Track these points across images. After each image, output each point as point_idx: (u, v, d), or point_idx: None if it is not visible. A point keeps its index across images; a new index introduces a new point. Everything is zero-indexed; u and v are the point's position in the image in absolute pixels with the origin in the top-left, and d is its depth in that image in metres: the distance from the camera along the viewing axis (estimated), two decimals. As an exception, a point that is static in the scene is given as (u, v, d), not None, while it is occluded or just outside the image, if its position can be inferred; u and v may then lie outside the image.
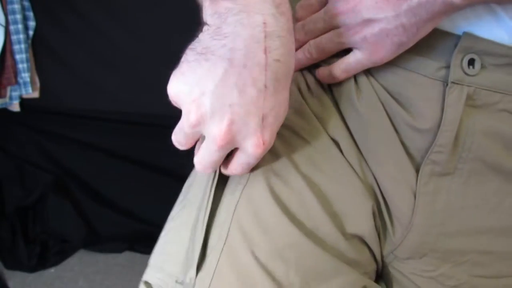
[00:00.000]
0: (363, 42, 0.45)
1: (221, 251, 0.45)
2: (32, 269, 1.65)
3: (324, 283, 0.46)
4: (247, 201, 0.46)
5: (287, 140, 0.49)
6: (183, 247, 0.47)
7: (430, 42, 0.46)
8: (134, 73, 1.71)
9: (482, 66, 0.46)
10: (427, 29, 0.44)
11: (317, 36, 0.49)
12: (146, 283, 0.48)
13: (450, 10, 0.43)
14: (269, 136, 0.40)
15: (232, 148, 0.41)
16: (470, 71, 0.45)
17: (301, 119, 0.50)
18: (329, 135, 0.50)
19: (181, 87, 0.38)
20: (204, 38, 0.38)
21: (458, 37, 0.46)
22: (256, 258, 0.44)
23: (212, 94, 0.37)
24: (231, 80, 0.37)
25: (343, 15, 0.46)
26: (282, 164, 0.48)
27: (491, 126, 0.47)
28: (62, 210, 1.76)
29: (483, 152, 0.47)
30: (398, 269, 0.53)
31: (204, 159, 0.42)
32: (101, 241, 1.78)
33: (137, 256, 1.75)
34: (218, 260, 0.44)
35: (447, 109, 0.46)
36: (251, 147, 0.40)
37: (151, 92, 1.81)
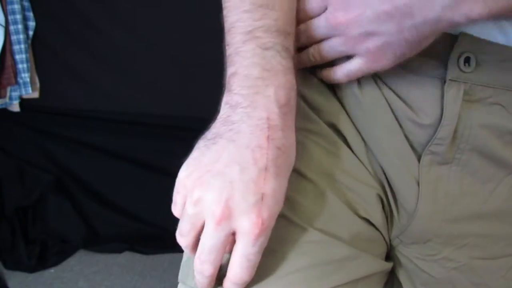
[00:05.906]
0: (366, 52, 0.47)
1: None
2: (32, 269, 1.66)
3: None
4: None
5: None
6: None
7: None
8: (134, 73, 1.71)
9: (477, 64, 0.48)
10: (429, 41, 0.45)
11: (319, 40, 0.50)
12: None
13: (453, 27, 0.44)
14: (267, 216, 0.39)
15: (230, 230, 0.40)
16: (466, 68, 0.48)
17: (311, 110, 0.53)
18: (335, 127, 0.53)
19: (190, 169, 0.41)
20: (215, 126, 0.43)
21: (455, 37, 0.47)
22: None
23: (216, 172, 0.39)
24: (233, 158, 0.40)
25: (344, 25, 0.46)
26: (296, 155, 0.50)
27: (486, 119, 0.49)
28: (62, 210, 1.76)
29: (479, 142, 0.50)
30: (403, 253, 0.56)
31: (204, 245, 0.40)
32: (101, 241, 1.78)
33: (137, 256, 1.75)
34: None
35: (446, 106, 0.48)
36: (248, 226, 0.39)
37: (151, 92, 1.82)
